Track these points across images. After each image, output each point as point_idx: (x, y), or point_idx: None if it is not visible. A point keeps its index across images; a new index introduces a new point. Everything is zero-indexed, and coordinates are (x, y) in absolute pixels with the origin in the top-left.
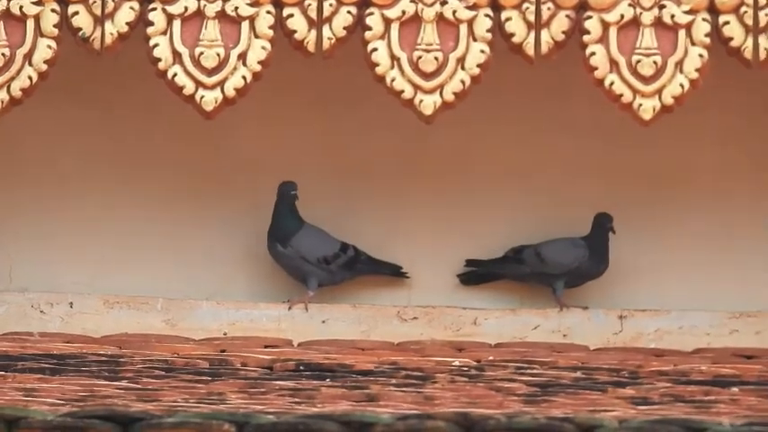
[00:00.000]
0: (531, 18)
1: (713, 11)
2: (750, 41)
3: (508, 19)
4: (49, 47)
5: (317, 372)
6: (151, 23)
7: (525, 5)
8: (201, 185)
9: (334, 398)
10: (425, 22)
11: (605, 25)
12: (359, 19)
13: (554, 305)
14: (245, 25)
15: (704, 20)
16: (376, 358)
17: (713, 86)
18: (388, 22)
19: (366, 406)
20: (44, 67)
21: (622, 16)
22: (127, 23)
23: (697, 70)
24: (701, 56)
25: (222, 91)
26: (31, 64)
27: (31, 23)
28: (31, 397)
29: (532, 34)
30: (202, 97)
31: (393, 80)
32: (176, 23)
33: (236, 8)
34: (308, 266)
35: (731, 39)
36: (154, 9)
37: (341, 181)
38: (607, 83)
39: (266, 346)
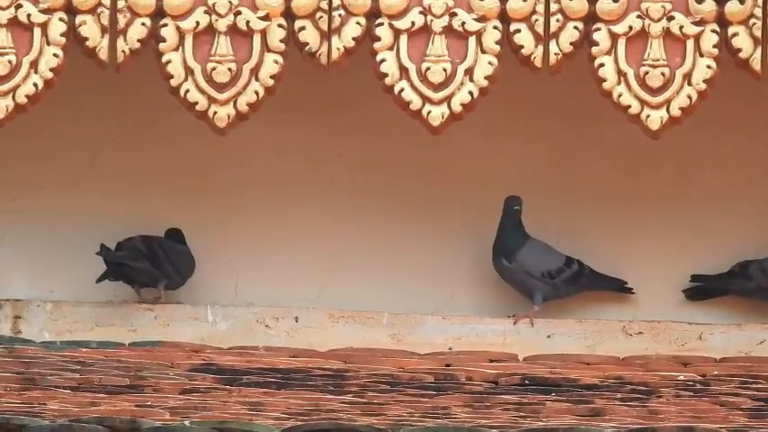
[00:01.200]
0: (540, 30)
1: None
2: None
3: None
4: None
5: (542, 386)
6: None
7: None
8: (427, 200)
9: (558, 412)
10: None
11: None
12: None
13: None
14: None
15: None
16: (601, 373)
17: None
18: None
19: (591, 420)
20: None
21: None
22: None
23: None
24: (709, 67)
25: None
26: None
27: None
28: (256, 411)
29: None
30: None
31: (401, 91)
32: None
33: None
34: (532, 281)
35: (740, 50)
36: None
37: (567, 196)
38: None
39: (491, 361)
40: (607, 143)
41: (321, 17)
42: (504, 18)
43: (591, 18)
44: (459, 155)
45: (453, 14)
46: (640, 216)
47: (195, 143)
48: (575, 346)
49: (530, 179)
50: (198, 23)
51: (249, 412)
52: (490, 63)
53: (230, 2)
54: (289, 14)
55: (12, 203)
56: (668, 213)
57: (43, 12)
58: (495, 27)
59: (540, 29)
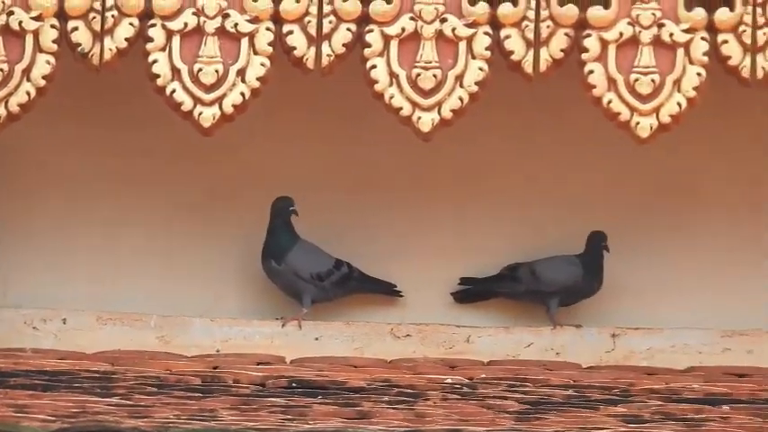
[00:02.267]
0: (530, 36)
1: (712, 30)
2: (748, 60)
3: (507, 37)
4: (48, 62)
5: (310, 389)
6: (150, 39)
7: (525, 23)
8: (195, 202)
9: (326, 415)
10: (425, 39)
11: (604, 43)
12: (358, 36)
13: (547, 323)
14: (245, 42)
15: (702, 38)
16: (368, 375)
17: (712, 105)
18: (387, 39)
19: (358, 423)
20: (42, 82)
21: (621, 34)
22: (126, 39)
23: (695, 89)
24: (698, 74)
25: (220, 107)
26: (29, 79)
27: (30, 39)
28: (23, 413)
29: (531, 52)
30: (200, 114)
31: (392, 97)
32: (175, 40)
33: (236, 24)
34: (301, 283)
35: (729, 57)
36: (153, 25)
37: (337, 198)
38: (605, 101)
39: (259, 363)
40: (378, 145)
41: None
42: (278, 19)
43: (364, 19)
44: (230, 155)
45: (226, 15)
46: (410, 219)
47: None
48: (342, 349)
49: (300, 180)
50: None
51: (15, 414)
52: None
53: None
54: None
55: None
56: (437, 216)
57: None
58: (267, 28)
59: (312, 30)
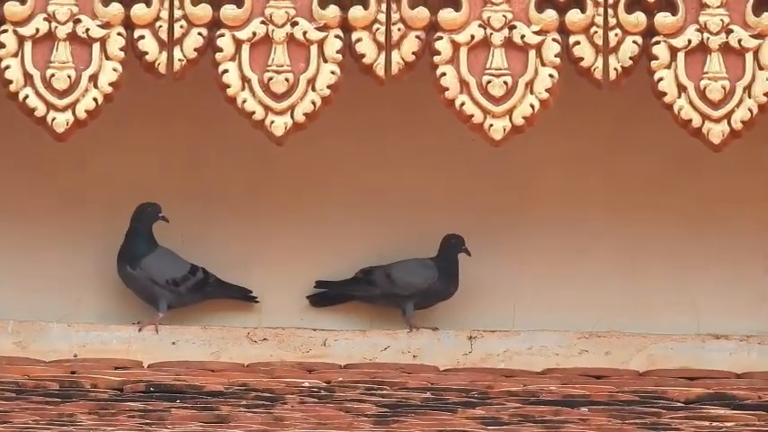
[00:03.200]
0: (382, 39)
1: (563, 31)
2: (600, 62)
3: (359, 40)
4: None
5: (168, 393)
6: (2, 45)
7: (376, 26)
8: (52, 207)
9: (184, 419)
10: (276, 43)
11: (456, 46)
12: (210, 40)
13: (404, 326)
14: (96, 47)
15: (554, 40)
16: (226, 379)
17: (564, 104)
18: (238, 43)
19: (216, 427)
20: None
21: (473, 36)
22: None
23: (547, 90)
24: (551, 76)
25: (74, 113)
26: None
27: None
28: None
29: (383, 55)
30: (54, 119)
31: (244, 101)
32: (27, 45)
33: (87, 30)
34: (157, 288)
35: (581, 59)
36: (5, 31)
37: (193, 202)
38: (458, 103)
39: (117, 368)
40: (232, 149)
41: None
42: (129, 24)
43: (215, 24)
44: (89, 160)
45: (78, 21)
46: (265, 222)
47: None
48: (199, 353)
49: (156, 186)
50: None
51: None
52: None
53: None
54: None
55: None
56: (292, 219)
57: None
58: (119, 33)
59: (164, 35)
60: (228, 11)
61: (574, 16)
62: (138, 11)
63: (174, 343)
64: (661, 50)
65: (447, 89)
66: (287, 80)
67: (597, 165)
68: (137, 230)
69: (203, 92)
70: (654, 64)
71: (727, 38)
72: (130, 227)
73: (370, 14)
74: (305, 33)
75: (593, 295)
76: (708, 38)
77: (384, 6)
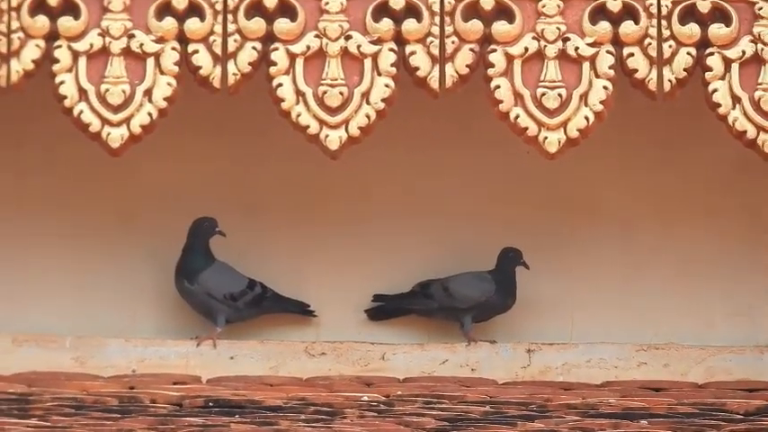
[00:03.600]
0: (435, 52)
1: (617, 43)
2: (654, 73)
3: (413, 53)
4: (169, 84)
5: (227, 408)
6: (57, 61)
7: (429, 39)
8: (109, 222)
9: None
10: (330, 56)
11: (509, 58)
12: (264, 54)
13: (462, 340)
14: (151, 62)
15: (608, 52)
16: (284, 394)
17: (618, 118)
18: (292, 57)
19: None
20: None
21: (526, 49)
22: (33, 61)
23: (602, 102)
24: (605, 88)
25: (128, 128)
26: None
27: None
28: None
29: (437, 68)
30: (108, 134)
31: (299, 115)
32: (82, 61)
33: (141, 45)
34: (214, 303)
35: (635, 71)
36: (59, 47)
37: (249, 217)
38: (512, 116)
39: (175, 383)
40: (286, 161)
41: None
42: (183, 39)
43: (269, 38)
44: (143, 173)
45: (132, 36)
46: (321, 235)
47: None
48: (258, 368)
49: (212, 200)
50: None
51: None
52: (169, 84)
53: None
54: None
55: None
56: (349, 232)
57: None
58: (173, 48)
59: (218, 49)
60: (282, 25)
61: (627, 28)
62: (192, 25)
63: (232, 358)
64: (715, 62)
65: (501, 102)
66: (341, 94)
67: (652, 179)
68: (194, 245)
69: (258, 105)
70: (708, 75)
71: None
72: (187, 242)
73: (424, 27)
74: (359, 47)
75: (651, 308)
76: (762, 49)
77: (437, 19)
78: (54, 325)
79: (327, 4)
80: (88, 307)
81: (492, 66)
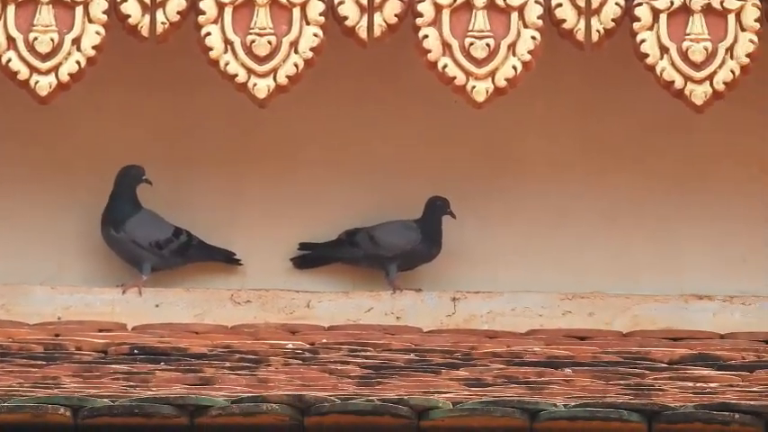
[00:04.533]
0: (364, 1)
1: None
2: (582, 23)
3: (341, 2)
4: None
5: (152, 355)
6: (202, 12)
7: None
8: (35, 172)
9: (168, 381)
10: (259, 6)
11: (438, 8)
12: (192, 3)
13: (387, 288)
14: (80, 10)
15: (536, 2)
16: (210, 342)
17: (545, 67)
18: (221, 6)
19: (200, 389)
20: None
21: (454, 0)
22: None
23: (530, 52)
24: (533, 38)
25: (57, 76)
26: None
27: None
28: None
29: (365, 17)
30: (37, 82)
31: (227, 64)
32: (10, 9)
33: None
34: (140, 251)
35: (564, 21)
36: None
37: (176, 166)
38: (440, 65)
39: (100, 330)
40: (214, 112)
41: None
42: None
43: None
44: (72, 125)
45: None
46: (249, 185)
47: None
48: (183, 316)
49: (140, 149)
50: None
51: None
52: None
53: None
54: None
55: None
56: (276, 182)
57: None
58: None
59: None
60: None
61: None
62: None
63: (157, 305)
64: (643, 12)
65: (429, 51)
66: (269, 43)
67: (578, 127)
68: (120, 193)
69: (186, 57)
70: (636, 25)
71: None
72: (114, 189)
73: None
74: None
75: (577, 257)
76: None
77: None
78: None
79: None
80: (14, 255)
81: (420, 15)
